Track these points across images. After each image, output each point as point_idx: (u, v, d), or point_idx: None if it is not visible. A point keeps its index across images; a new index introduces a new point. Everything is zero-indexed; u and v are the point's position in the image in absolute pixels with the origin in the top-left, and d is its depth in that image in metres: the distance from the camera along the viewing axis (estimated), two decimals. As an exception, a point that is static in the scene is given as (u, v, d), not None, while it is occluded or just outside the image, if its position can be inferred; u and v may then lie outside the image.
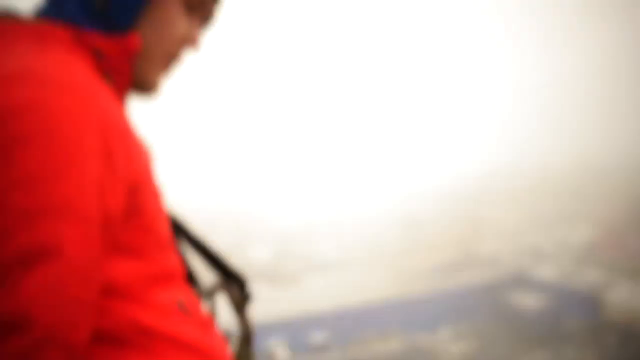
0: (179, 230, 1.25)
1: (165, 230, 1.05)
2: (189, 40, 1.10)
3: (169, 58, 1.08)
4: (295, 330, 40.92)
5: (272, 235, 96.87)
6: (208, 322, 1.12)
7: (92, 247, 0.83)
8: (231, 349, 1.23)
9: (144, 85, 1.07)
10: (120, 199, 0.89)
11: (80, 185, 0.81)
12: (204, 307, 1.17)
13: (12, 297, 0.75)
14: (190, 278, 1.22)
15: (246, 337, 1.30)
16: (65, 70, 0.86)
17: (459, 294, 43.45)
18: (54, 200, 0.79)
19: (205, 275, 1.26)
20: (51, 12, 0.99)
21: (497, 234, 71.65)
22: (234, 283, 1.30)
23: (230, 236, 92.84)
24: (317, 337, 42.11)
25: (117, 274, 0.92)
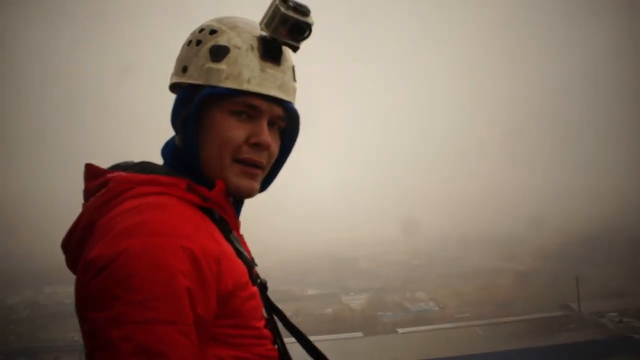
0: (283, 321, 1.54)
1: (259, 325, 1.37)
2: (252, 140, 1.43)
3: (238, 164, 1.44)
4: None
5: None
6: None
7: (191, 344, 1.16)
8: None
9: (238, 194, 1.47)
10: (212, 306, 1.23)
11: (179, 300, 1.15)
12: None
13: None
14: (285, 359, 1.46)
15: None
16: (171, 220, 1.24)
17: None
18: (162, 312, 1.12)
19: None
20: (170, 164, 1.49)
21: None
22: None
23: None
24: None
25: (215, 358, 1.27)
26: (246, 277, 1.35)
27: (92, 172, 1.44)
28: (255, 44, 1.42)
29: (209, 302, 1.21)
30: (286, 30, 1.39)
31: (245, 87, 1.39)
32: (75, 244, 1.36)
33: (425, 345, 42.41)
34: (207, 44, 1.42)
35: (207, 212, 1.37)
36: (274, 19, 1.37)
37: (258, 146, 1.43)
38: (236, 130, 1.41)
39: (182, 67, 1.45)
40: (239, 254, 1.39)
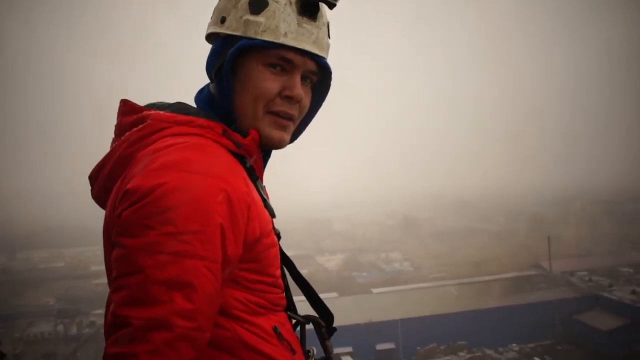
0: (291, 271, 1.60)
1: (277, 274, 1.45)
2: (286, 93, 1.46)
3: (271, 115, 1.47)
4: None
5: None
6: (297, 347, 1.50)
7: (215, 280, 1.22)
8: None
9: (269, 144, 1.50)
10: (239, 249, 1.28)
11: (212, 238, 1.20)
12: (296, 333, 1.57)
13: (162, 308, 1.14)
14: (291, 308, 1.56)
15: None
16: (209, 160, 1.28)
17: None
18: (194, 246, 1.18)
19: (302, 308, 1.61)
20: (205, 108, 1.51)
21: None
22: (323, 318, 1.64)
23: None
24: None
25: (231, 300, 1.33)
26: (270, 226, 1.41)
27: (127, 108, 1.48)
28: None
29: (237, 245, 1.26)
30: None
31: (282, 40, 1.42)
32: (107, 175, 1.41)
33: (400, 305, 43.15)
34: None
35: (239, 158, 1.41)
36: None
37: (291, 99, 1.46)
38: (270, 82, 1.44)
39: (221, 18, 1.47)
40: (265, 203, 1.45)
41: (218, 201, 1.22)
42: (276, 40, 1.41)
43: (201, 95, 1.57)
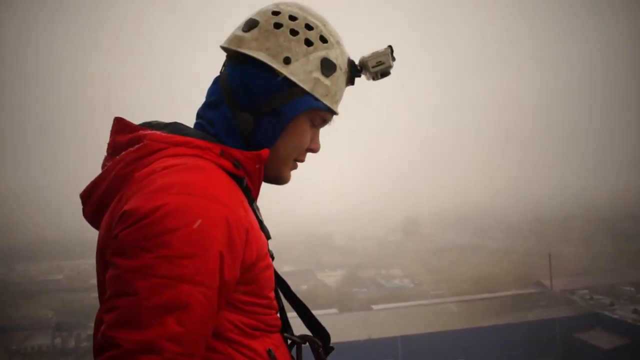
0: (285, 291, 1.60)
1: (271, 295, 1.44)
2: (312, 147, 1.56)
3: (296, 161, 1.56)
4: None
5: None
6: None
7: (210, 306, 1.20)
8: None
9: (278, 180, 1.56)
10: (237, 273, 1.27)
11: (209, 263, 1.19)
12: (291, 354, 1.56)
13: (153, 332, 1.12)
14: (287, 329, 1.55)
15: None
16: (209, 183, 1.27)
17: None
18: (190, 271, 1.16)
19: (298, 327, 1.58)
20: (204, 129, 1.49)
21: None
22: (318, 337, 1.63)
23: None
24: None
25: (225, 323, 1.32)
26: (266, 248, 1.42)
27: (122, 126, 1.47)
28: (347, 68, 1.54)
29: (234, 269, 1.26)
30: (380, 73, 1.56)
31: (335, 108, 1.52)
32: (101, 195, 1.40)
33: (400, 322, 42.91)
34: (319, 52, 1.47)
35: (236, 179, 1.40)
36: (380, 65, 1.54)
37: (311, 151, 1.58)
38: (308, 137, 1.53)
39: (284, 58, 1.44)
40: (260, 225, 1.46)
41: (217, 226, 1.21)
42: (332, 107, 1.50)
43: (219, 117, 1.49)
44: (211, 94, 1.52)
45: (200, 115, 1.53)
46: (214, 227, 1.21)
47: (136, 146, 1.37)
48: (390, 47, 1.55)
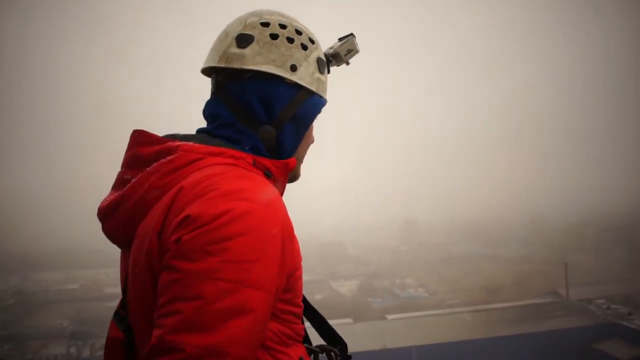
0: (305, 303, 1.61)
1: (301, 304, 1.48)
2: (313, 141, 1.66)
3: None
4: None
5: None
6: None
7: (268, 311, 1.24)
8: None
9: (294, 179, 1.63)
10: (284, 280, 1.31)
11: (269, 269, 1.22)
12: None
13: (218, 336, 1.12)
14: (306, 339, 1.59)
15: None
16: (265, 191, 1.31)
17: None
18: (253, 276, 1.18)
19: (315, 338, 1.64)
20: (231, 141, 1.49)
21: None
22: (336, 346, 1.71)
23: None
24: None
25: (266, 331, 1.33)
26: (301, 256, 1.44)
27: (145, 139, 1.46)
28: (325, 60, 1.63)
29: (283, 276, 1.29)
30: (349, 58, 1.68)
31: (326, 98, 1.61)
32: (132, 208, 1.38)
33: (415, 332, 42.70)
34: (313, 54, 1.56)
35: None
36: (350, 52, 1.66)
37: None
38: (313, 132, 1.64)
39: (291, 66, 1.50)
40: None
41: (276, 232, 1.25)
42: (325, 99, 1.61)
43: (238, 135, 1.50)
44: (216, 117, 1.53)
45: (215, 136, 1.52)
46: (273, 234, 1.23)
47: (169, 157, 1.37)
48: (352, 34, 1.68)
